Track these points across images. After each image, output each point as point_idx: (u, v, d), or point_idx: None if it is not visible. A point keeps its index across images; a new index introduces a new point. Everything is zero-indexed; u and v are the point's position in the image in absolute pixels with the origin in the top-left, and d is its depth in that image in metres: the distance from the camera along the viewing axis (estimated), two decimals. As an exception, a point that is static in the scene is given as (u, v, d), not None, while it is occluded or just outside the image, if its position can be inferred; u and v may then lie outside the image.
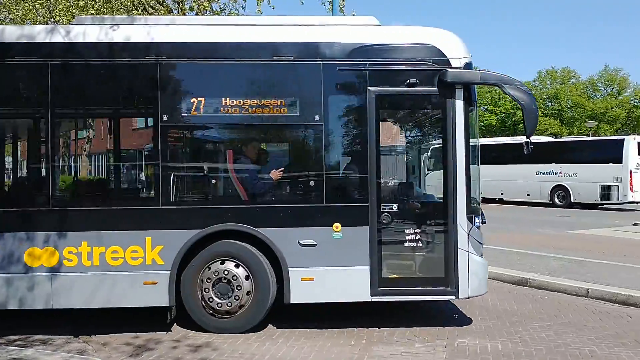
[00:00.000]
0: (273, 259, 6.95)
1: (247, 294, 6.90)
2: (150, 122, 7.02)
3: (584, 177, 24.51)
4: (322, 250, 6.95)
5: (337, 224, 6.95)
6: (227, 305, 6.89)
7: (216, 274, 6.89)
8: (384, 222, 7.01)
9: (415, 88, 7.03)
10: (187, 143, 7.33)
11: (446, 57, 7.08)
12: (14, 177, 7.37)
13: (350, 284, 7.00)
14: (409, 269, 7.19)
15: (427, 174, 7.75)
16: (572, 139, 30.50)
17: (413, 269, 7.19)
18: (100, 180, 7.47)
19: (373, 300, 7.03)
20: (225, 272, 6.88)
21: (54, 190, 6.83)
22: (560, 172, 26.00)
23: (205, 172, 7.26)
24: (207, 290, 6.90)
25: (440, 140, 7.17)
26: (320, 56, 7.00)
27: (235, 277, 6.87)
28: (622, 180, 23.65)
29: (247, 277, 6.89)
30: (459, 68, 7.07)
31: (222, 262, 6.93)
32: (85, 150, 7.09)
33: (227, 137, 7.43)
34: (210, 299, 6.90)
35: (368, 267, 6.97)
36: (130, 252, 6.82)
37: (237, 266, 6.90)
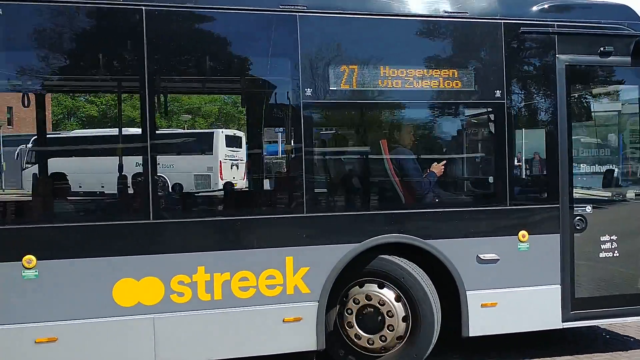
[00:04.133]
0: (437, 276, 5.25)
1: (398, 338, 5.15)
2: (289, 97, 5.04)
3: (180, 168, 24.21)
4: (506, 266, 5.34)
5: (523, 232, 5.36)
6: (368, 342, 5.12)
7: (368, 299, 5.11)
8: (577, 227, 5.51)
9: (609, 58, 5.56)
10: (335, 127, 5.43)
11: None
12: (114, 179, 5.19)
13: (538, 308, 5.46)
14: (603, 285, 5.74)
15: (625, 165, 6.32)
16: (169, 132, 29.98)
17: (608, 285, 5.74)
18: (223, 180, 5.41)
19: (564, 327, 5.52)
20: (381, 303, 5.10)
21: (155, 196, 4.71)
22: (159, 163, 24.76)
23: (359, 166, 5.42)
24: (349, 311, 5.13)
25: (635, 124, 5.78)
26: (501, 13, 5.35)
27: (391, 314, 5.10)
28: (213, 170, 24.32)
29: (404, 318, 5.14)
30: (654, 34, 5.69)
31: (381, 286, 5.14)
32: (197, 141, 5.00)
33: (385, 119, 5.59)
34: (350, 324, 5.12)
35: (559, 286, 5.45)
36: (264, 278, 4.87)
37: (397, 299, 5.12)
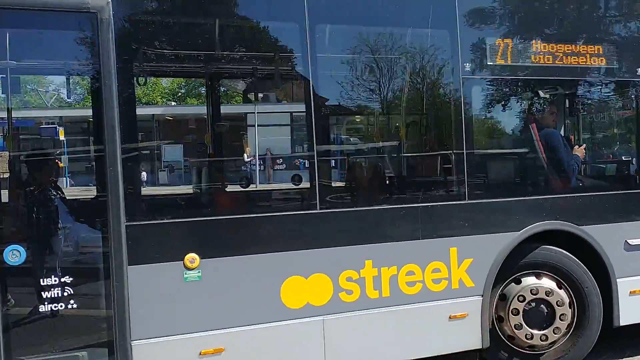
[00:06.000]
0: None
1: (566, 330, 4.85)
2: (447, 73, 4.61)
3: None
4: (650, 251, 5.15)
5: (665, 215, 5.19)
6: (541, 338, 4.77)
7: (534, 293, 4.73)
8: None
9: None
10: (492, 105, 5.05)
11: None
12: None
13: (683, 293, 5.29)
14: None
15: None
16: None
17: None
18: (385, 166, 4.92)
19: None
20: (548, 293, 4.74)
21: (321, 185, 4.19)
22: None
23: (512, 148, 5.09)
24: (515, 311, 4.73)
25: None
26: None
27: (560, 302, 4.78)
28: None
29: (569, 304, 4.84)
30: None
31: (538, 277, 4.81)
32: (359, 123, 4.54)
33: (535, 97, 5.24)
34: (518, 326, 4.74)
35: (697, 272, 5.30)
36: (430, 271, 4.44)
37: (559, 287, 4.82)
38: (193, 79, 4.14)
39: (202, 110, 4.67)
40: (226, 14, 4.14)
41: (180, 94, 28.77)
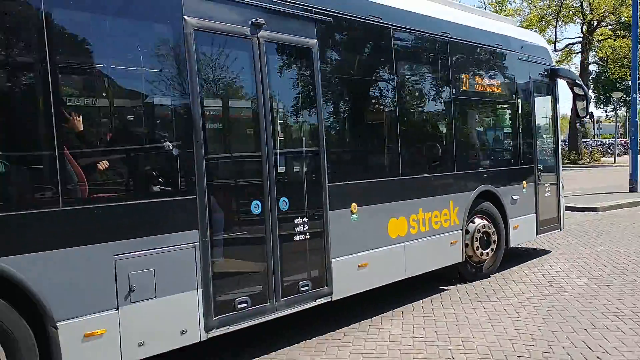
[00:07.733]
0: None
1: (493, 245, 8.19)
2: (445, 94, 7.50)
3: None
4: (520, 202, 8.77)
5: (524, 181, 8.89)
6: (483, 255, 8.00)
7: (484, 227, 7.97)
8: (540, 179, 9.27)
9: (543, 78, 9.48)
10: (464, 117, 8.00)
11: (550, 57, 9.79)
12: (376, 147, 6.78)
13: (529, 229, 9.05)
14: (545, 212, 9.56)
15: (542, 140, 10.15)
16: None
17: (543, 213, 9.50)
18: (435, 147, 7.47)
19: (536, 238, 9.27)
20: (489, 228, 8.03)
21: (403, 159, 6.73)
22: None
23: (473, 140, 8.17)
24: (476, 238, 7.87)
25: (548, 117, 9.87)
26: (512, 48, 8.75)
27: (494, 234, 8.11)
28: None
29: (494, 232, 8.19)
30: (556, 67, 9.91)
31: (482, 219, 8.02)
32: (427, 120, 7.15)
33: (476, 111, 8.34)
34: (477, 248, 7.90)
35: (534, 214, 9.14)
36: (443, 215, 7.28)
37: (490, 223, 8.12)
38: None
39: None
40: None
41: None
